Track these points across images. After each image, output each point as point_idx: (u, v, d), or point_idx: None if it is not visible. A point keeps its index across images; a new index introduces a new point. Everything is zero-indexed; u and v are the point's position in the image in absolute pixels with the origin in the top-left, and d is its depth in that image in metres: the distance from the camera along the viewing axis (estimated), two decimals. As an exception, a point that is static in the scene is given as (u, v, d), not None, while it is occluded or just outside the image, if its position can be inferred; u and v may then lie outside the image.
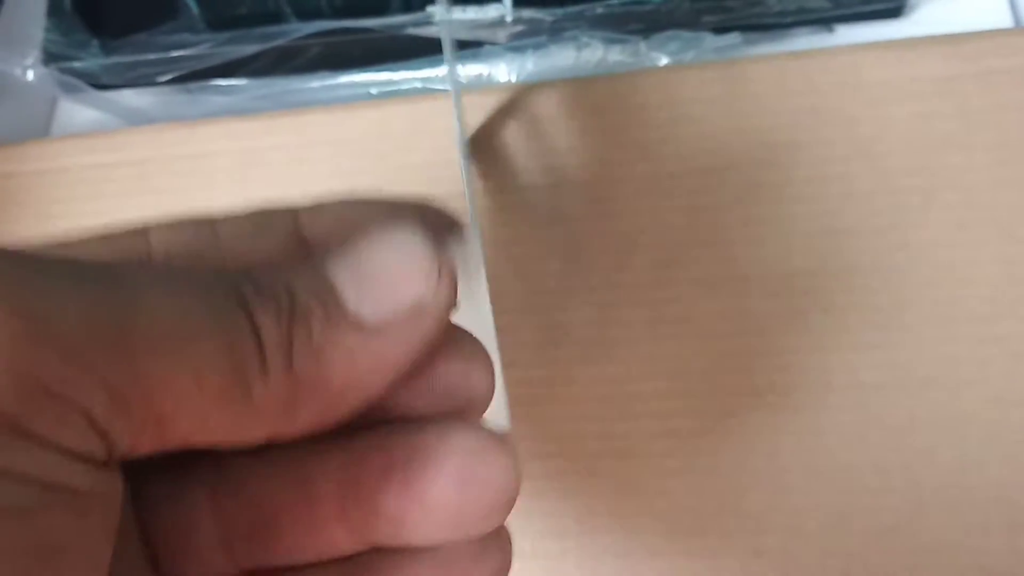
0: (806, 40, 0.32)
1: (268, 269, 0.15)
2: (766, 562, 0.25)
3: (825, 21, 0.32)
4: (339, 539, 0.15)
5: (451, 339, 0.16)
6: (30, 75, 0.33)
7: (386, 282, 0.15)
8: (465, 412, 0.16)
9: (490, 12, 0.31)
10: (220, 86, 0.33)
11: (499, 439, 0.16)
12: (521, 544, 0.24)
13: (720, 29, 0.32)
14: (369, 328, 0.14)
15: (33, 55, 0.33)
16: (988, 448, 0.25)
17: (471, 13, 0.32)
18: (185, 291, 0.14)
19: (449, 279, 0.15)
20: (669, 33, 0.31)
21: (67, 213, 0.32)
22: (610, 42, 0.31)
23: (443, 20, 0.32)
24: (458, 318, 0.16)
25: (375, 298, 0.15)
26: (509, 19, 0.31)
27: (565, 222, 0.29)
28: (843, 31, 0.33)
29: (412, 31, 0.32)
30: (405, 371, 0.15)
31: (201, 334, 0.13)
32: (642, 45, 0.31)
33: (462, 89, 0.32)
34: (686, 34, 0.31)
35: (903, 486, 0.25)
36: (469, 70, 0.32)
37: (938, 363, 0.26)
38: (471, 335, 0.16)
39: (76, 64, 0.33)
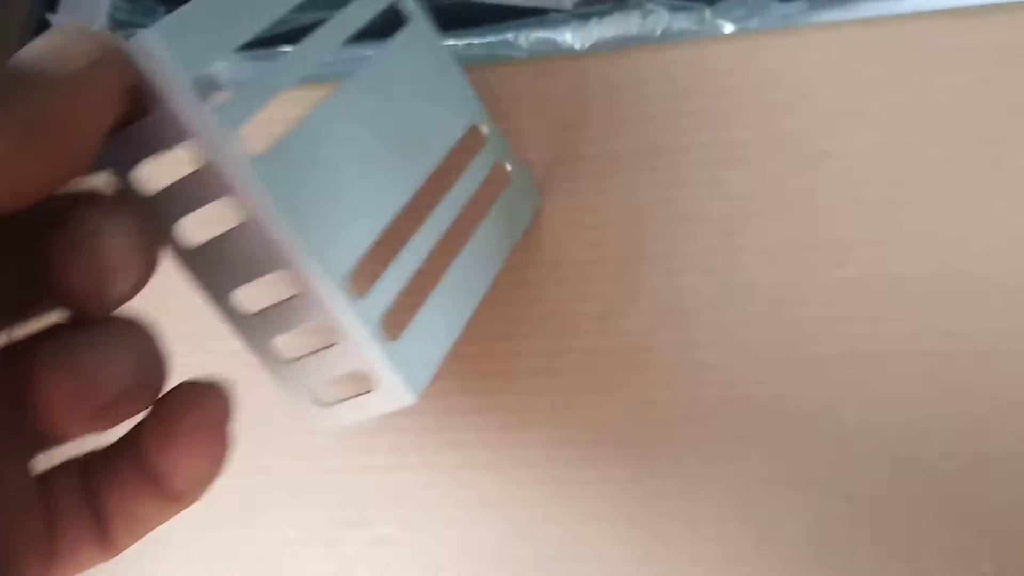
0: (873, 6, 0.33)
1: None
2: (830, 530, 0.26)
3: (891, -13, 0.32)
4: None
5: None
6: (101, 42, 0.34)
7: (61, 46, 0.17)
8: None
9: (555, -21, 0.32)
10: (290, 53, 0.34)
11: None
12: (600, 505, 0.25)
13: (785, -5, 0.32)
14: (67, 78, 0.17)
15: (100, 22, 0.34)
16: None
17: (537, -20, 0.32)
18: None
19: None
20: (734, 0, 0.31)
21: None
22: (675, 9, 0.32)
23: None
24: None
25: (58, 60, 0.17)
26: (575, -14, 0.32)
27: (631, 190, 0.30)
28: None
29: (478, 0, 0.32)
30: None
31: None
32: (707, 12, 0.31)
33: (527, 56, 0.33)
34: (752, 0, 0.31)
35: (966, 452, 0.26)
36: (535, 36, 0.33)
37: (1002, 334, 0.27)
38: None
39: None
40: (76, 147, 0.17)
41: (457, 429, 0.29)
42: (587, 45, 0.32)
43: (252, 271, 0.22)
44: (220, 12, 0.21)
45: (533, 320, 0.30)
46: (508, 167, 0.29)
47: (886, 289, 0.28)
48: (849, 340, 0.28)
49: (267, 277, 0.22)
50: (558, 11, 0.32)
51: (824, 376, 0.28)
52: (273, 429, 0.30)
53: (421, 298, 0.25)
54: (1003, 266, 0.27)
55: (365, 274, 0.23)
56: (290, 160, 0.22)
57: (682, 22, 0.32)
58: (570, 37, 0.32)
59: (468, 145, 0.28)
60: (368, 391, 0.23)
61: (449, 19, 0.33)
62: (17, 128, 0.16)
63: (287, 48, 0.35)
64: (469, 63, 0.34)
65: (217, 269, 0.22)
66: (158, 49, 0.18)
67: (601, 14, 0.32)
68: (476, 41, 0.33)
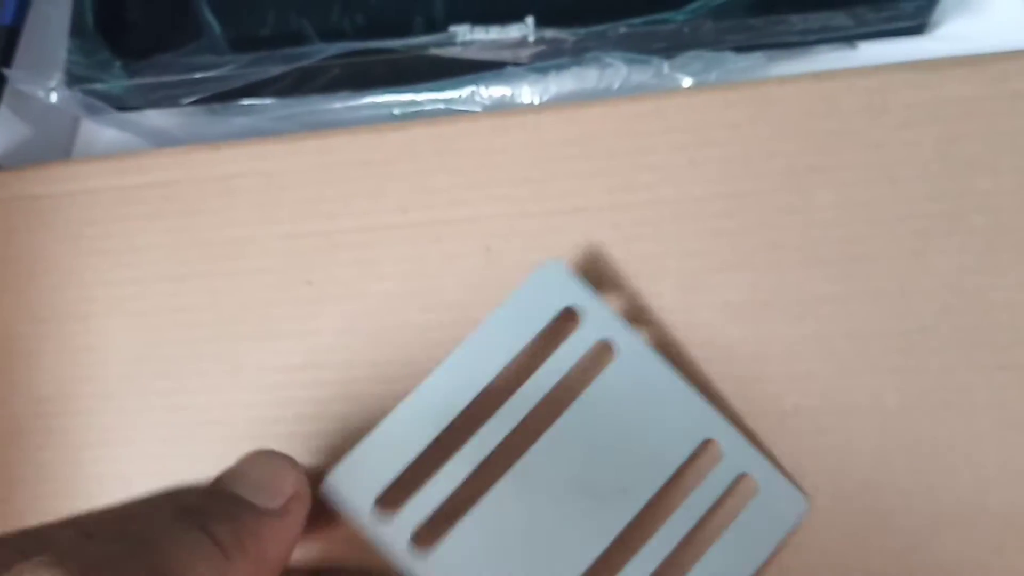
0: (829, 57, 0.33)
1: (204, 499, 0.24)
2: (791, 584, 0.26)
3: (848, 38, 0.33)
4: None
5: None
6: (53, 97, 0.34)
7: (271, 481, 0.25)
8: None
9: (512, 32, 0.32)
10: (244, 106, 0.34)
11: None
12: None
13: (743, 48, 0.32)
14: (275, 511, 0.24)
15: (56, 77, 0.34)
16: (1004, 471, 0.26)
17: (493, 33, 0.32)
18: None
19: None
20: (692, 53, 0.32)
21: (95, 235, 0.33)
22: (633, 62, 0.32)
23: (464, 41, 0.32)
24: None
25: (270, 494, 0.24)
26: (531, 39, 0.32)
27: (588, 247, 0.30)
28: (866, 48, 0.33)
29: (435, 52, 0.32)
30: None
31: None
32: (665, 65, 0.32)
33: (485, 110, 0.33)
34: (709, 54, 0.32)
35: (922, 506, 0.26)
36: (492, 91, 0.33)
37: (957, 390, 0.27)
38: None
39: (99, 86, 0.34)
40: (275, 556, 0.24)
41: None
42: (544, 99, 0.33)
43: None
44: (382, 449, 0.27)
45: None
46: (755, 478, 0.27)
47: (846, 346, 0.28)
48: (809, 396, 0.28)
49: None
50: (515, 65, 0.32)
51: (783, 430, 0.28)
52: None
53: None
54: (961, 324, 0.28)
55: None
56: (460, 549, 0.26)
57: (640, 75, 0.32)
58: (528, 91, 0.33)
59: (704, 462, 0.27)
60: None
61: (407, 73, 0.33)
62: (233, 539, 0.22)
63: (244, 102, 0.35)
64: (432, 117, 0.34)
65: None
66: (341, 491, 0.26)
67: (559, 68, 0.32)
68: (434, 96, 0.34)
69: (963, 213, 0.28)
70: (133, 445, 0.31)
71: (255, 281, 0.32)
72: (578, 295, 0.28)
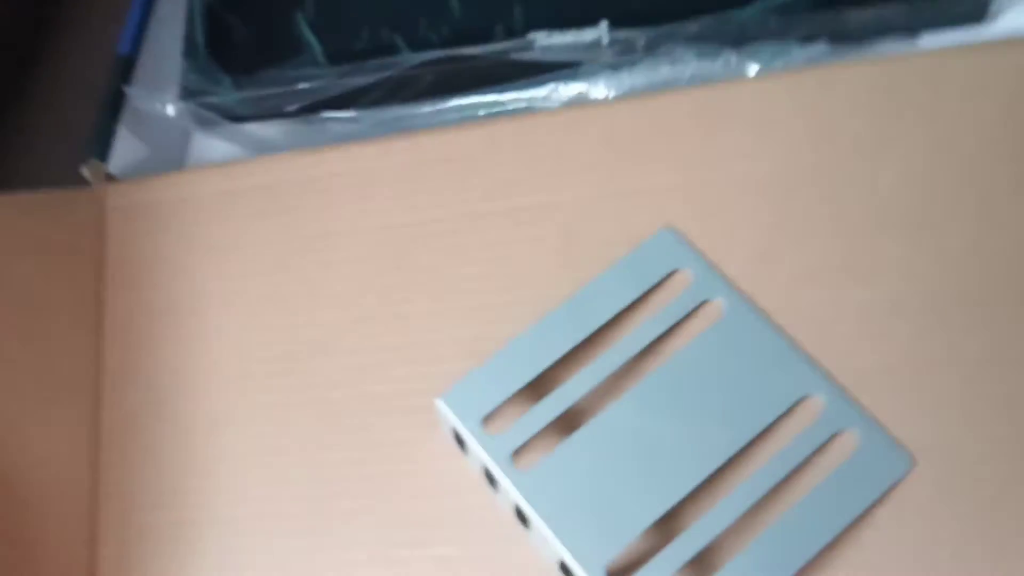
0: (891, 47, 0.36)
1: None
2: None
3: (908, 29, 0.35)
4: None
5: None
6: (170, 109, 0.38)
7: None
8: None
9: (587, 36, 0.36)
10: (340, 117, 0.38)
11: None
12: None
13: (807, 39, 0.35)
14: None
15: (172, 92, 0.39)
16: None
17: (569, 37, 0.36)
18: None
19: None
20: (758, 45, 0.35)
21: (205, 235, 0.38)
22: (702, 55, 0.35)
23: (543, 46, 0.36)
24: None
25: None
26: (605, 41, 0.36)
27: (664, 224, 0.33)
28: (927, 38, 0.36)
29: (515, 56, 0.36)
30: None
31: None
32: (733, 57, 0.35)
33: (562, 107, 0.37)
34: (774, 46, 0.35)
35: (1010, 453, 0.28)
36: (569, 89, 0.36)
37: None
38: None
39: (211, 99, 0.38)
40: None
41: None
42: (619, 93, 0.36)
43: (551, 555, 0.29)
44: (491, 378, 0.30)
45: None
46: (855, 436, 0.29)
47: (919, 305, 0.30)
48: (887, 355, 0.30)
49: None
50: (591, 63, 0.36)
51: (862, 388, 0.30)
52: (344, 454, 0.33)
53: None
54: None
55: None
56: (563, 468, 0.29)
57: (709, 67, 0.35)
58: (603, 87, 0.36)
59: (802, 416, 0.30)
60: None
61: (489, 77, 0.37)
62: None
63: (340, 113, 0.39)
64: (514, 115, 0.38)
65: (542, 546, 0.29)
66: (453, 409, 0.30)
67: (632, 63, 0.36)
68: (515, 96, 0.37)
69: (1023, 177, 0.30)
70: (242, 426, 0.35)
71: (350, 270, 0.36)
72: (688, 258, 0.32)
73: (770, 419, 0.29)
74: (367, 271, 0.35)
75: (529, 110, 0.37)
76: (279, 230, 0.37)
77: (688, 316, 0.31)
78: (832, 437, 0.29)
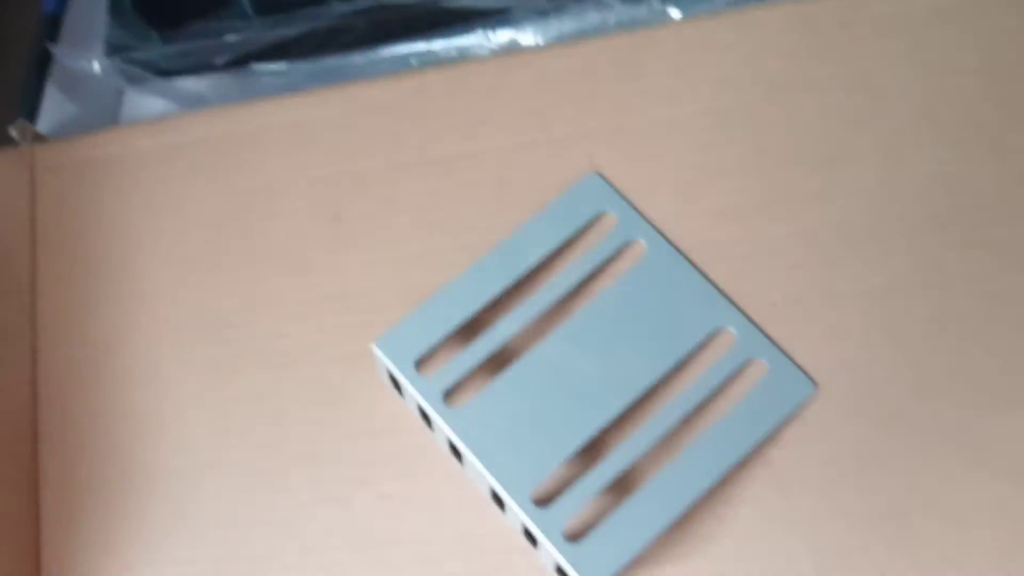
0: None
1: None
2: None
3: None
4: None
5: None
6: (96, 66, 0.39)
7: None
8: None
9: (514, -19, 0.36)
10: (271, 69, 0.39)
11: None
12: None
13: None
14: None
15: (97, 49, 0.39)
16: (979, 339, 0.30)
17: (497, -17, 0.37)
18: None
19: None
20: (680, -11, 0.36)
21: (140, 192, 0.38)
22: (627, 1, 0.36)
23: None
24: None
25: None
26: (532, -14, 0.36)
27: (591, 167, 0.34)
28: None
29: (445, 3, 0.37)
30: None
31: None
32: (656, 3, 0.36)
33: (493, 54, 0.38)
34: (696, -11, 0.36)
35: (908, 376, 0.30)
36: (499, 36, 0.37)
37: (933, 269, 0.31)
38: None
39: (138, 54, 0.38)
40: None
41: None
42: (547, 40, 0.37)
43: (483, 485, 0.31)
44: (423, 322, 0.32)
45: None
46: (764, 364, 0.31)
47: (830, 238, 0.32)
48: (798, 286, 0.32)
49: None
50: (518, 9, 0.37)
51: (774, 319, 0.31)
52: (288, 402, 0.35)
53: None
54: (934, 209, 0.31)
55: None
56: (492, 404, 0.31)
57: (634, 12, 0.36)
58: (532, 34, 0.37)
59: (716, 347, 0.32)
60: None
61: (420, 24, 0.38)
62: None
63: (270, 65, 0.39)
64: (446, 63, 0.39)
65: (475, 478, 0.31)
66: (387, 352, 0.31)
67: (559, 10, 0.36)
68: (446, 44, 0.38)
69: (934, 111, 0.32)
70: (184, 380, 0.36)
71: (288, 222, 0.36)
72: (613, 201, 0.33)
73: (686, 351, 0.31)
74: (304, 223, 0.36)
75: (460, 58, 0.38)
76: (214, 185, 0.38)
77: (613, 257, 0.33)
78: (743, 366, 0.31)
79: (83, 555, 0.35)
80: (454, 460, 0.32)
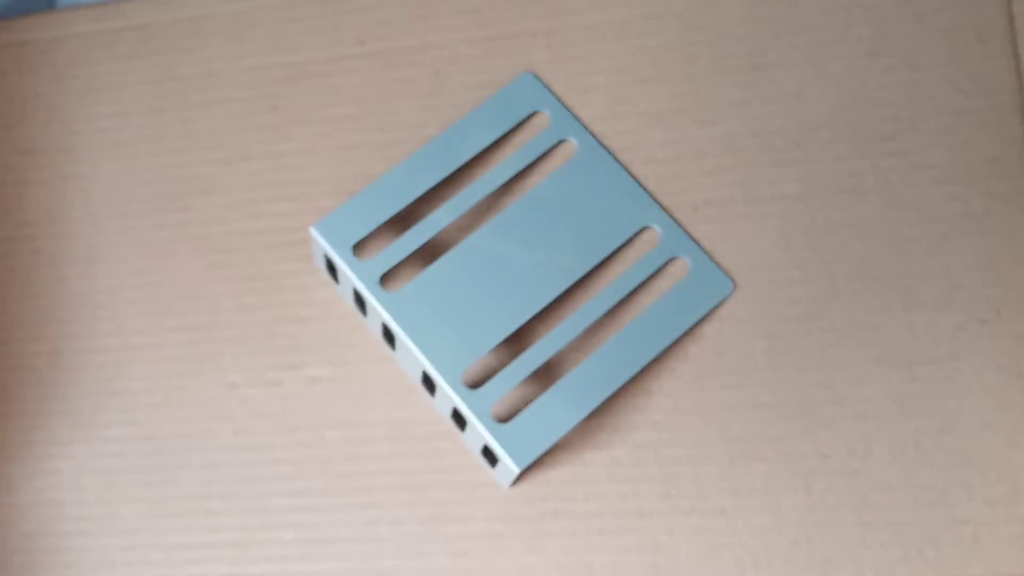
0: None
1: None
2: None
3: None
4: None
5: None
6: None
7: None
8: None
9: None
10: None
11: None
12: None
13: None
14: None
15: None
16: (890, 243, 0.32)
17: None
18: None
19: None
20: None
21: (79, 75, 0.38)
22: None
23: None
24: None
25: None
26: None
27: (526, 67, 0.35)
28: None
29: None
30: None
31: None
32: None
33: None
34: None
35: (819, 278, 0.32)
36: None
37: (849, 175, 0.32)
38: None
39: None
40: None
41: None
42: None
43: (415, 370, 0.32)
44: (360, 210, 0.32)
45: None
46: (686, 262, 0.33)
47: (752, 143, 0.33)
48: (720, 189, 0.33)
49: None
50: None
51: (697, 220, 0.33)
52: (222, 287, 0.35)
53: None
54: (851, 119, 0.33)
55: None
56: (427, 290, 0.32)
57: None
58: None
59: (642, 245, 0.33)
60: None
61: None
62: None
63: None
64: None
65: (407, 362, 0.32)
66: (325, 237, 0.32)
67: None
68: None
69: (852, 24, 0.34)
70: (120, 262, 0.36)
71: (226, 110, 0.37)
72: (547, 101, 0.34)
73: (612, 247, 0.33)
74: (242, 111, 0.37)
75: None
76: (153, 71, 0.38)
77: (545, 154, 0.34)
78: (665, 263, 0.33)
79: (13, 430, 0.36)
80: (384, 347, 0.34)
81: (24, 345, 0.36)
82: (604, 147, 0.34)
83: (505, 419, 0.30)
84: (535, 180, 0.34)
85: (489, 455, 0.31)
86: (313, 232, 0.32)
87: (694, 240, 0.33)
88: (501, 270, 0.32)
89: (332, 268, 0.33)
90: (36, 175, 0.38)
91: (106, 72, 0.38)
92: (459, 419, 0.32)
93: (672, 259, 0.33)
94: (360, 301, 0.33)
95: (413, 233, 0.32)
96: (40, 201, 0.37)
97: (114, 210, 0.37)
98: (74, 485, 0.35)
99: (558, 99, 0.34)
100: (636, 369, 0.31)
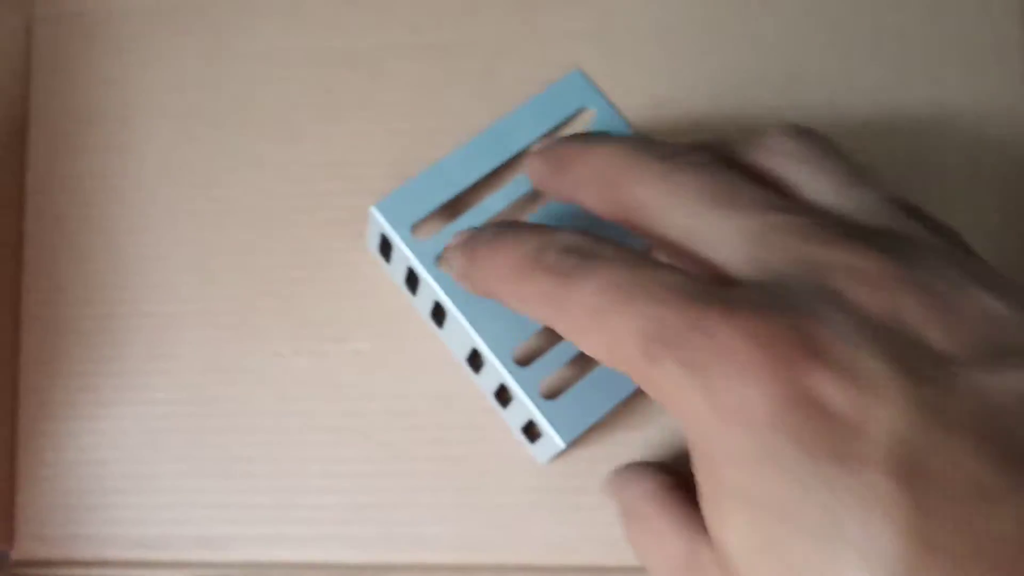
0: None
1: None
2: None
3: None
4: None
5: None
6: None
7: None
8: None
9: None
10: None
11: None
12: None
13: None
14: None
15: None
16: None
17: None
18: None
19: None
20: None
21: (135, 48, 0.40)
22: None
23: None
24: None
25: None
26: None
27: (576, 65, 0.37)
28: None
29: None
30: None
31: None
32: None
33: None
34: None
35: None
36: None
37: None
38: None
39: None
40: None
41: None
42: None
43: (462, 347, 0.34)
44: (418, 193, 0.34)
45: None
46: None
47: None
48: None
49: None
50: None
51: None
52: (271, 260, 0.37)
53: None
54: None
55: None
56: None
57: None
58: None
59: None
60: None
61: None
62: None
63: None
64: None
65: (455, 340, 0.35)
66: (385, 216, 0.34)
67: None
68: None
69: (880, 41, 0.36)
70: (172, 231, 0.38)
71: (280, 89, 0.38)
72: (594, 99, 0.36)
73: None
74: (296, 91, 0.38)
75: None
76: (209, 48, 0.39)
77: None
78: None
79: (61, 390, 0.37)
80: (430, 326, 0.36)
81: (74, 308, 0.38)
82: None
83: (551, 397, 0.32)
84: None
85: (530, 432, 0.33)
86: (372, 211, 0.34)
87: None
88: None
89: (385, 248, 0.35)
90: (91, 144, 0.39)
91: (159, 46, 0.39)
92: (502, 396, 0.34)
93: None
94: (412, 280, 0.34)
95: (468, 216, 0.34)
96: (94, 169, 0.39)
97: (168, 180, 0.38)
98: (118, 444, 0.37)
99: (605, 97, 0.36)
100: None
